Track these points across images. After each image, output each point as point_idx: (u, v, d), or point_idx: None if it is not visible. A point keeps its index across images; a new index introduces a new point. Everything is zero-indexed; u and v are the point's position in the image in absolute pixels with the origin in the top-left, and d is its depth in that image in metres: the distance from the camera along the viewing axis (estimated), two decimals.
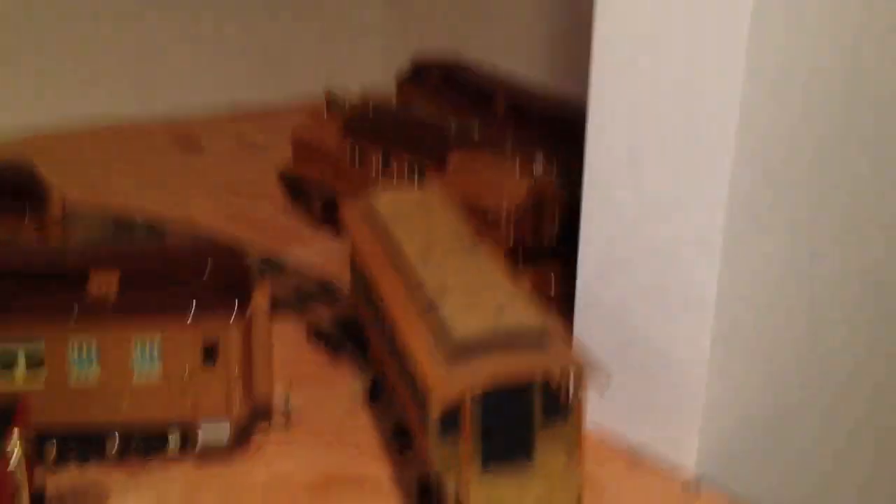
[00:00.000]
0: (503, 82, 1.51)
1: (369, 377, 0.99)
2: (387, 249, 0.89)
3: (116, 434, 0.83)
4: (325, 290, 1.20)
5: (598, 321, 0.93)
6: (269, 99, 1.93)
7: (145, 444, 0.84)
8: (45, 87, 1.76)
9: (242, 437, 0.88)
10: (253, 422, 0.89)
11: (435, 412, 0.69)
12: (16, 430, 0.66)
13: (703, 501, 0.86)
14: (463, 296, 0.75)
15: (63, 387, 0.81)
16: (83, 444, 0.84)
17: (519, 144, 1.22)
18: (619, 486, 0.88)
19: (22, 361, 0.80)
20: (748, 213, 0.84)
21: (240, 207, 1.47)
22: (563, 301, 1.05)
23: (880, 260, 0.98)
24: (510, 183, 1.14)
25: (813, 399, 0.98)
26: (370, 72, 1.99)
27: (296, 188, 1.41)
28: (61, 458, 0.84)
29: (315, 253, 1.30)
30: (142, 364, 0.81)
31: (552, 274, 1.14)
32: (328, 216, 1.34)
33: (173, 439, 0.84)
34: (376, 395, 0.97)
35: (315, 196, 1.37)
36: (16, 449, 0.65)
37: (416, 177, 1.21)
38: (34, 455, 0.73)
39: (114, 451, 0.83)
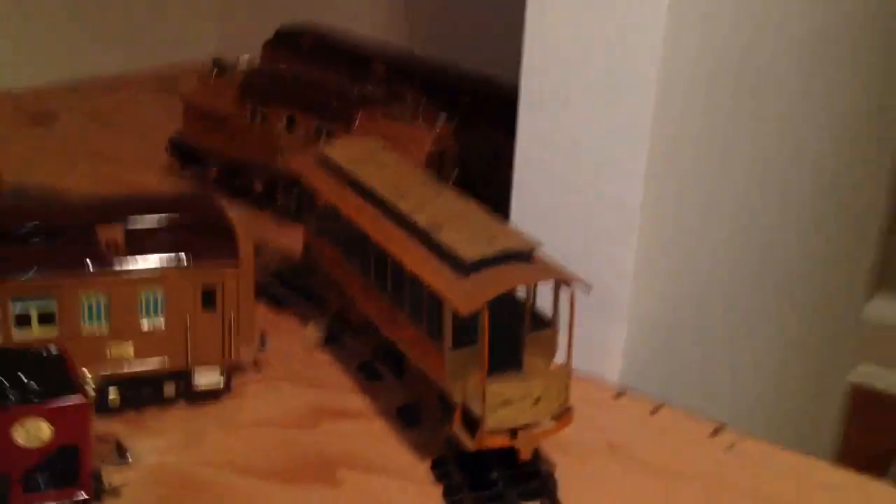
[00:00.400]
0: (375, 46, 1.58)
1: (325, 322, 1.05)
2: (358, 191, 0.95)
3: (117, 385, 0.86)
4: None
5: None
6: (112, 72, 1.91)
7: (146, 392, 0.88)
8: None
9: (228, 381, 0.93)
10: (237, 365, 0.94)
11: (459, 318, 0.77)
12: (84, 369, 0.69)
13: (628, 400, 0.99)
14: (456, 225, 0.84)
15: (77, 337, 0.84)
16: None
17: (415, 103, 1.31)
18: None
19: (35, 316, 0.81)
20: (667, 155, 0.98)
21: (117, 175, 1.48)
22: None
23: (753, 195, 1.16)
24: (416, 137, 1.23)
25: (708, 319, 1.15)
26: (206, 43, 2.00)
27: (187, 154, 1.43)
28: None
29: None
30: (147, 313, 0.85)
31: None
32: (224, 181, 1.38)
33: (170, 385, 0.88)
34: (334, 337, 1.04)
35: (210, 162, 1.39)
36: (90, 383, 0.68)
37: (323, 137, 1.27)
38: None
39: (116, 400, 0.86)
